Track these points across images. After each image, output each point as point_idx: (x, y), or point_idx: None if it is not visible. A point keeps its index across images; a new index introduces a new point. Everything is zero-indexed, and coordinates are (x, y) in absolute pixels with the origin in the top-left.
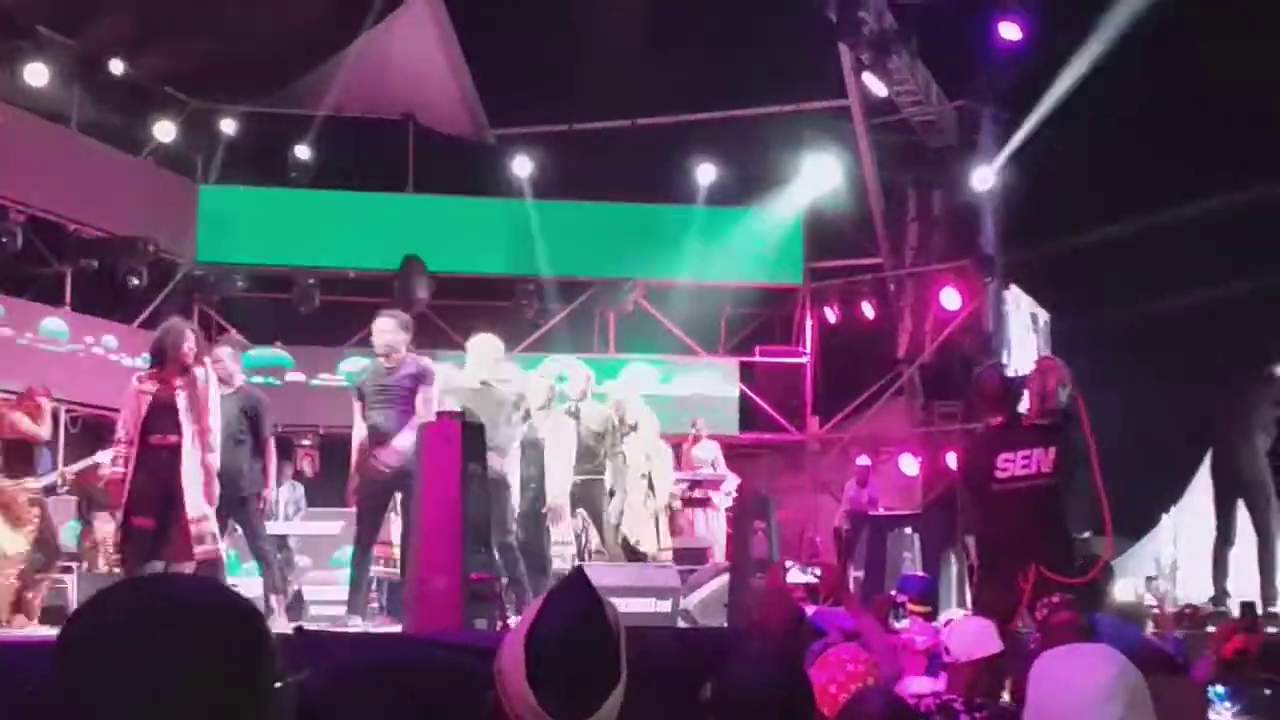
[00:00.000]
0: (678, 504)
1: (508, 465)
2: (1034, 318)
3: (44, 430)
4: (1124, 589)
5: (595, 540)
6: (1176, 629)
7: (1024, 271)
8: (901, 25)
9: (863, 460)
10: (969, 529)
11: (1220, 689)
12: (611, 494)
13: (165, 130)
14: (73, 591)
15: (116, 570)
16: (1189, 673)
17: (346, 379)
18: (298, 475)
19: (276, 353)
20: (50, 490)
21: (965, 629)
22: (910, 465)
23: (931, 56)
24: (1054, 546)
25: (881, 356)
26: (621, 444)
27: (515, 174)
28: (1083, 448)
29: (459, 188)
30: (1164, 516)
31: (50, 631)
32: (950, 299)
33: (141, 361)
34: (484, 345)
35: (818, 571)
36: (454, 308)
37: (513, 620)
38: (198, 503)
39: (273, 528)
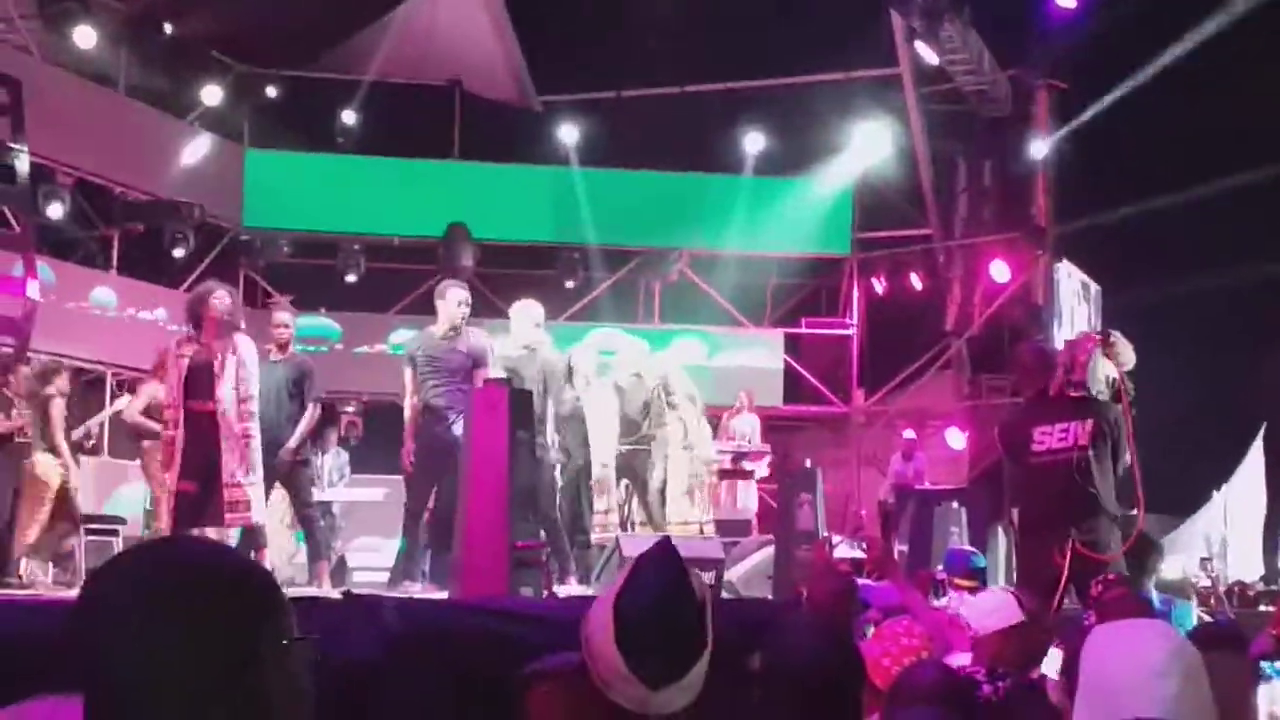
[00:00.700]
0: (713, 476)
1: (552, 434)
2: (1085, 287)
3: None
4: (1172, 566)
5: (639, 511)
6: (1227, 607)
7: (1076, 244)
8: None
9: (908, 434)
10: (1014, 502)
11: (1277, 665)
12: (654, 465)
13: (212, 94)
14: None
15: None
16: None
17: (394, 351)
18: (342, 441)
19: (325, 322)
20: (78, 446)
21: (981, 601)
22: (957, 439)
23: (984, 25)
24: (1091, 519)
25: (929, 329)
26: (666, 415)
27: (561, 141)
28: (1121, 423)
29: (505, 155)
30: (1215, 493)
31: None
32: (1000, 271)
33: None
34: (528, 311)
35: (865, 545)
36: (498, 275)
37: (558, 589)
38: (233, 469)
39: (317, 494)
